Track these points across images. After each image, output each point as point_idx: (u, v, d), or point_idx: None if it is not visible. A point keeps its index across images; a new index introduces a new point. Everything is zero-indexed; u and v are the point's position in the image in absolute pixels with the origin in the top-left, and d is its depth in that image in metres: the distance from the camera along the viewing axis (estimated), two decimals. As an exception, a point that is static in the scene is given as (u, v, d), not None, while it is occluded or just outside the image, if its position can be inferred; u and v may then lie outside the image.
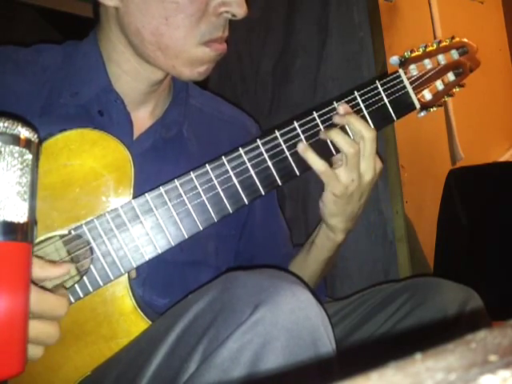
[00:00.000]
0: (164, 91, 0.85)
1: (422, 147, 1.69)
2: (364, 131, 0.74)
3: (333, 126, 0.76)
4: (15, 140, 0.50)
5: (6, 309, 0.47)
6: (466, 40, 0.86)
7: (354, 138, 0.75)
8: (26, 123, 0.52)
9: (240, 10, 0.73)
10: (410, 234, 1.42)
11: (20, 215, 0.50)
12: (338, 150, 0.76)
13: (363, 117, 0.78)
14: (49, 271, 0.58)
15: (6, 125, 0.50)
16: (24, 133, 0.51)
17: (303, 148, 0.74)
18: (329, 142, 0.76)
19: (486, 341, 0.21)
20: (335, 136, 0.74)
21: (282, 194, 1.58)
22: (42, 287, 0.57)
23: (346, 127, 0.76)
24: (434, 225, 1.64)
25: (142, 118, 0.83)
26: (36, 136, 0.53)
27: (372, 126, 0.78)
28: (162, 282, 0.80)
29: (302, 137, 0.75)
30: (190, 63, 0.75)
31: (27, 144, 0.51)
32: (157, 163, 0.81)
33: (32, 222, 0.52)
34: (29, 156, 0.51)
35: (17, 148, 0.50)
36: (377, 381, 0.19)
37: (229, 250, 0.91)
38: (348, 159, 0.74)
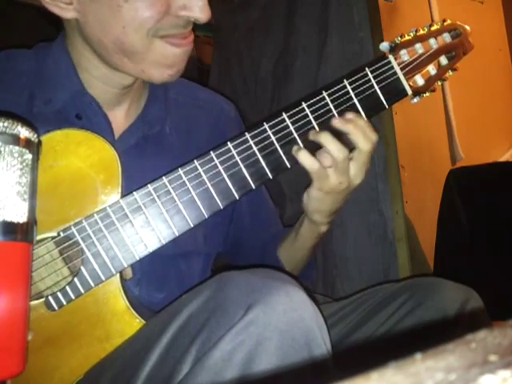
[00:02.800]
0: (138, 89, 0.84)
1: (422, 147, 1.68)
2: (361, 144, 0.73)
3: (324, 123, 0.75)
4: (15, 140, 0.50)
5: (6, 308, 0.47)
6: (458, 22, 0.83)
7: (350, 145, 0.74)
8: (26, 123, 0.52)
9: (202, 15, 0.70)
10: (409, 234, 1.41)
11: (20, 215, 0.50)
12: None
13: (353, 105, 0.76)
14: None
15: (5, 125, 0.50)
16: (24, 133, 0.51)
17: (296, 149, 0.74)
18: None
19: (486, 341, 0.21)
20: (325, 140, 0.73)
21: (282, 193, 1.58)
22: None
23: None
24: (434, 225, 1.64)
25: (119, 117, 0.82)
26: (36, 136, 0.54)
27: (363, 115, 0.76)
28: (157, 276, 0.81)
29: (292, 128, 0.74)
30: (156, 64, 0.73)
31: (27, 144, 0.51)
32: (139, 161, 0.80)
33: (32, 221, 0.52)
34: (29, 156, 0.51)
35: (17, 148, 0.50)
36: (377, 381, 0.19)
37: (216, 236, 0.92)
38: (337, 164, 0.73)
